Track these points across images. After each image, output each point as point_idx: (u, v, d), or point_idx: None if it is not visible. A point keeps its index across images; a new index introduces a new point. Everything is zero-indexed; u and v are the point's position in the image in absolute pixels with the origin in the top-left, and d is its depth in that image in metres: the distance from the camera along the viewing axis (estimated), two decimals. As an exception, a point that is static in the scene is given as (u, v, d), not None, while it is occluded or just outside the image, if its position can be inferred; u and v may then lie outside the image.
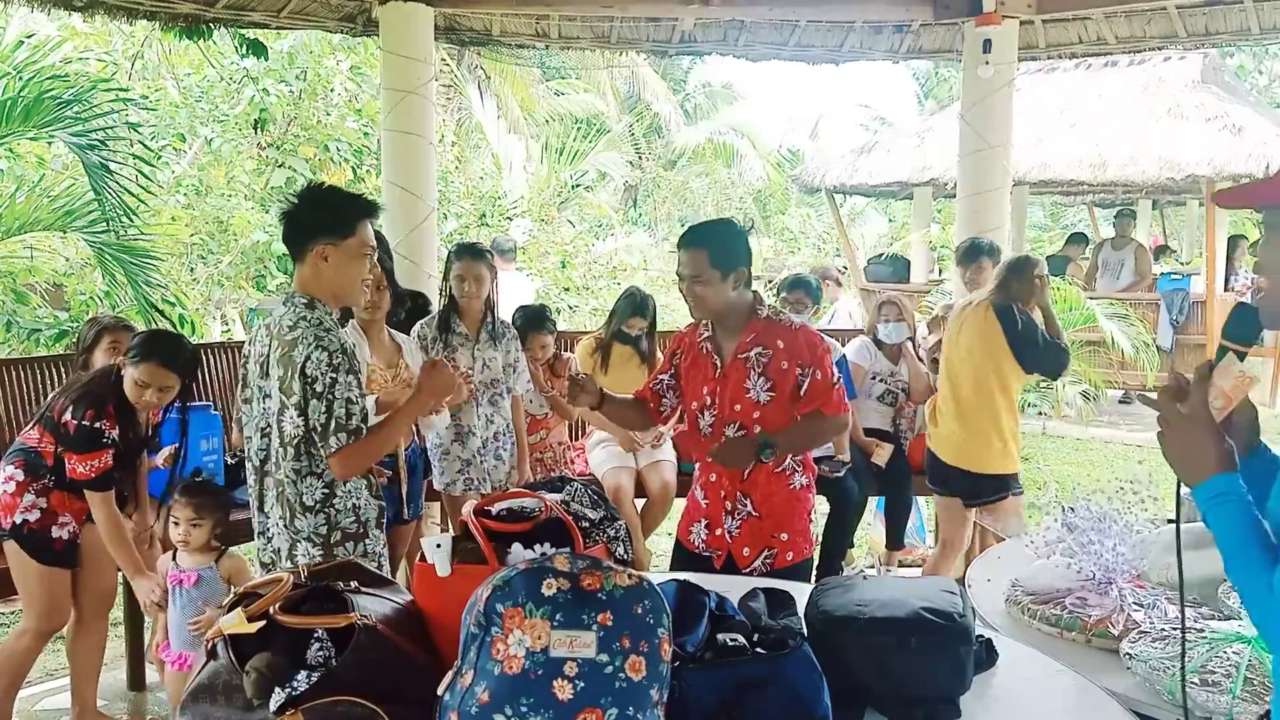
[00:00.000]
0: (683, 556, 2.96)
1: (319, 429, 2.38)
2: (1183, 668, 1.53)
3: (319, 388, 2.37)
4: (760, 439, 2.74)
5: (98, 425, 3.09)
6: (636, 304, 4.55)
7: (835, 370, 2.90)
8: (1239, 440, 1.41)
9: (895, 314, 4.78)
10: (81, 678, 3.46)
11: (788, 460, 2.86)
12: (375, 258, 2.63)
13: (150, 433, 3.47)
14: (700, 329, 2.93)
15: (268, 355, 2.47)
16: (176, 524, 3.13)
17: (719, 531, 2.88)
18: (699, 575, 2.16)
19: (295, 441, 2.43)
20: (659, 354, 4.40)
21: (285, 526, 2.51)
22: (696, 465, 3.00)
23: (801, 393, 2.80)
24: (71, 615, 3.38)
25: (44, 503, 3.18)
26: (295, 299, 2.49)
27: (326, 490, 2.48)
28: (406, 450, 3.69)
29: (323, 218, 2.50)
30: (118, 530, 3.16)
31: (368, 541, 2.53)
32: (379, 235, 4.30)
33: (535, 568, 1.43)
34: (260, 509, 2.60)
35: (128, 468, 3.32)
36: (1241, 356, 1.40)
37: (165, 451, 3.58)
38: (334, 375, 2.37)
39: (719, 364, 2.84)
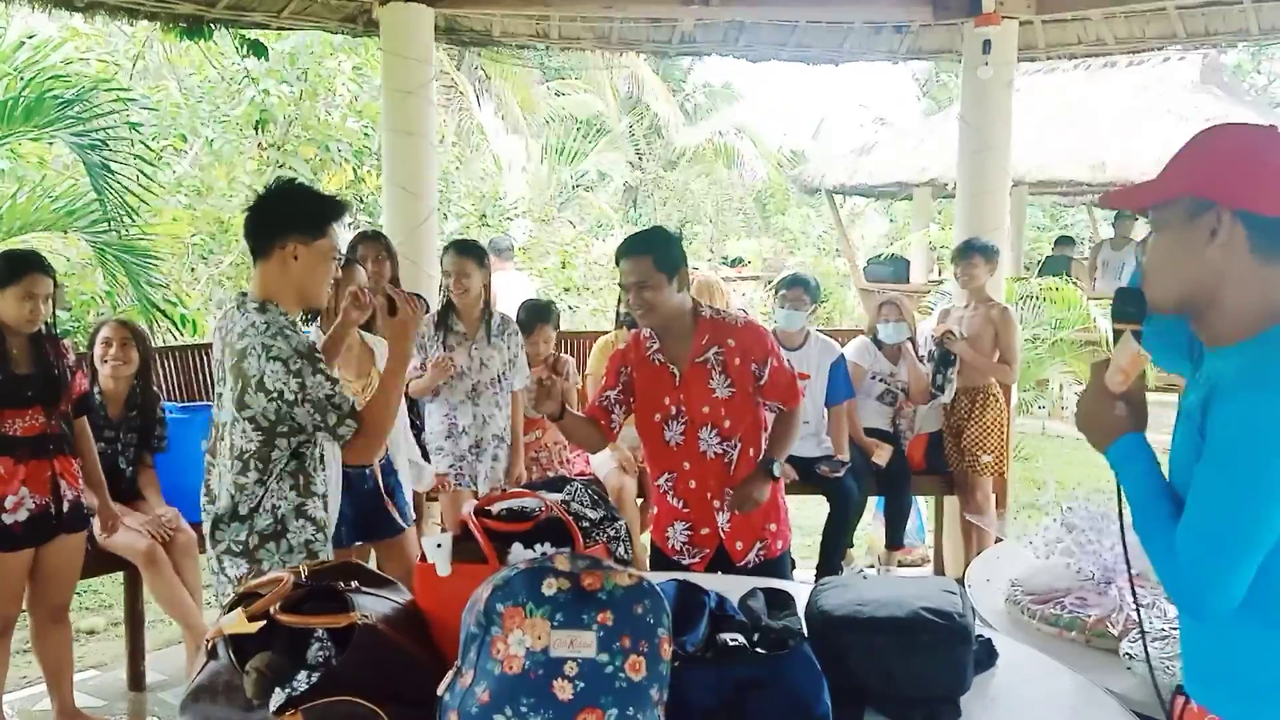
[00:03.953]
0: (660, 561, 2.97)
1: (324, 429, 2.31)
2: (1145, 647, 1.54)
3: (290, 397, 2.26)
4: (765, 464, 2.87)
5: None
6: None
7: (788, 360, 3.01)
8: (1139, 414, 1.46)
9: (895, 314, 4.78)
10: (52, 679, 3.46)
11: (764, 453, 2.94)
12: (342, 263, 2.53)
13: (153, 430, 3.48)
14: (645, 341, 2.92)
15: (222, 361, 2.36)
16: None
17: (705, 531, 2.90)
18: (697, 575, 2.16)
19: (245, 455, 2.32)
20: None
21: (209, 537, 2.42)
22: (664, 475, 2.93)
23: (761, 384, 2.88)
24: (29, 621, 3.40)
25: None
26: (247, 303, 2.36)
27: (260, 499, 2.35)
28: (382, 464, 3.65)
29: (296, 215, 2.39)
30: None
31: (289, 535, 2.37)
32: (387, 246, 4.30)
33: (535, 567, 1.43)
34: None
35: None
36: (1138, 336, 1.45)
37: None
38: (300, 380, 2.26)
39: (677, 372, 2.85)
